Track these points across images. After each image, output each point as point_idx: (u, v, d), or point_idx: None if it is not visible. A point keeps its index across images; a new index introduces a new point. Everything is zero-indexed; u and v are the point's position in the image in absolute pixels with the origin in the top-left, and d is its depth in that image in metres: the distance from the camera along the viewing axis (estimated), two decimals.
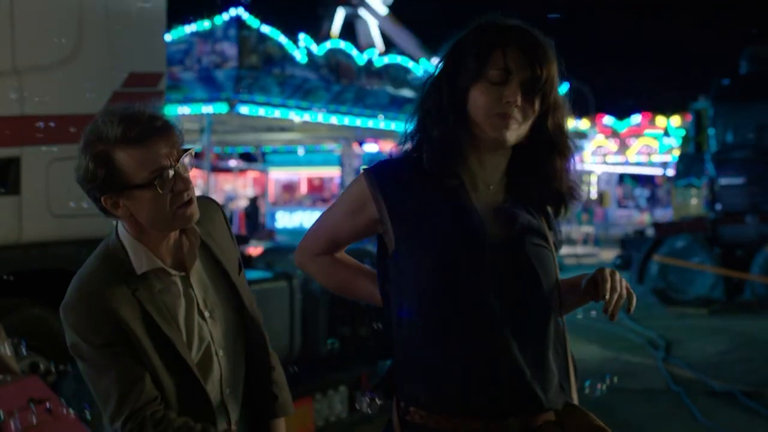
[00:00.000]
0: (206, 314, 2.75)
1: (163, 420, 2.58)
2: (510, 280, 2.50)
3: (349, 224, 2.71)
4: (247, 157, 32.40)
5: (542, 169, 2.60)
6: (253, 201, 29.07)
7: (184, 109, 18.03)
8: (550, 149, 2.59)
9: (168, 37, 14.54)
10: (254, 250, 9.82)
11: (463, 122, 2.53)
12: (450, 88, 2.54)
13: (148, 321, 2.61)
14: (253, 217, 27.62)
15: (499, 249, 2.50)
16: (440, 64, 2.62)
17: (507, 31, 2.53)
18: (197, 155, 26.02)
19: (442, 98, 2.55)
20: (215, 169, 25.21)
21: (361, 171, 2.68)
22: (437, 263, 2.49)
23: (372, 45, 28.04)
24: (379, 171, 2.64)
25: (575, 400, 2.67)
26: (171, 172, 2.59)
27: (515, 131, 2.50)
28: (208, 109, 17.96)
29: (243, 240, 10.31)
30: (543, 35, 2.57)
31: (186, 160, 2.64)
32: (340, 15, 30.30)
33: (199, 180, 24.27)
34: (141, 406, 2.57)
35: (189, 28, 17.90)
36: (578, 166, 2.67)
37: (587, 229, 37.01)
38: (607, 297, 2.52)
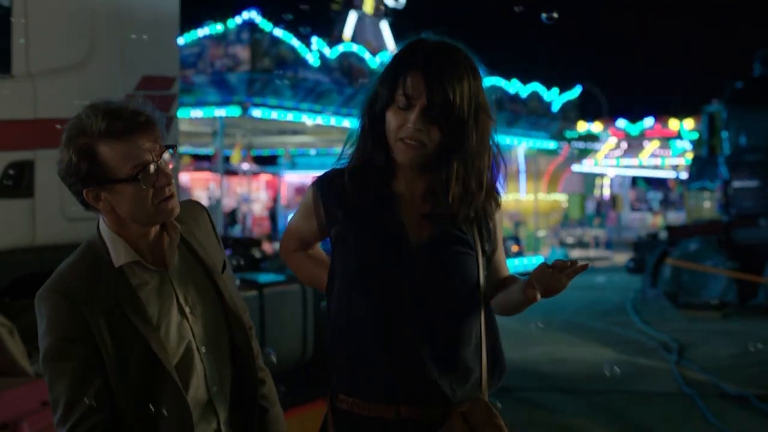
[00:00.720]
0: (187, 310, 2.75)
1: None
2: (425, 283, 2.67)
3: (307, 227, 2.93)
4: (263, 161, 32.41)
5: (445, 176, 2.70)
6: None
7: (196, 113, 18.06)
8: (446, 161, 2.69)
9: (181, 41, 14.57)
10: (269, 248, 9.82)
11: (383, 144, 2.69)
12: (369, 110, 2.72)
13: (120, 317, 2.62)
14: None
15: (416, 253, 2.68)
16: (372, 84, 2.77)
17: (414, 56, 2.66)
18: (209, 158, 26.05)
19: (365, 120, 2.74)
20: (228, 172, 25.20)
21: (313, 181, 2.89)
22: (358, 263, 2.70)
23: (385, 47, 28.06)
24: (322, 181, 2.85)
25: (485, 395, 2.74)
26: (153, 167, 2.62)
27: (419, 154, 2.65)
28: (220, 112, 17.98)
29: (256, 243, 10.31)
30: (454, 53, 2.69)
31: (167, 155, 2.67)
32: (352, 18, 30.27)
33: (211, 183, 24.34)
34: (83, 417, 2.57)
35: (202, 32, 17.92)
36: (502, 175, 2.83)
37: (599, 232, 36.96)
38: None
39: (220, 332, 2.84)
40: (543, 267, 2.60)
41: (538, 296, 2.64)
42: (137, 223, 2.69)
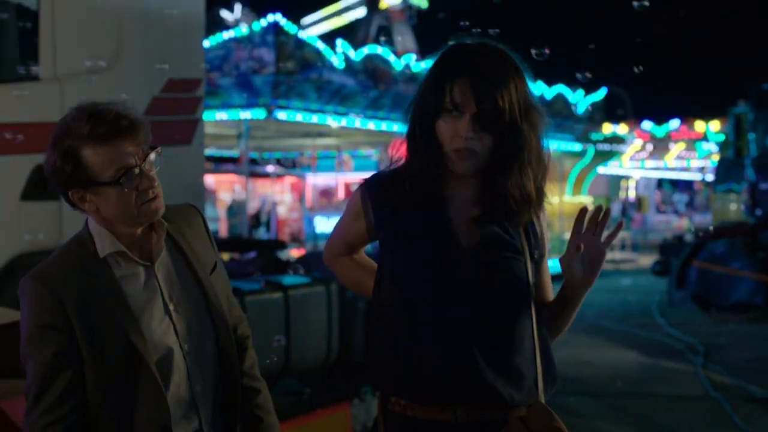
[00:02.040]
0: (171, 307, 2.79)
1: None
2: (476, 287, 2.64)
3: (354, 230, 2.91)
4: (285, 163, 32.48)
5: (499, 182, 2.70)
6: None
7: (221, 115, 18.11)
8: (501, 166, 2.68)
9: (206, 43, 14.63)
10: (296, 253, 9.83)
11: (436, 151, 2.67)
12: (420, 120, 2.70)
13: (101, 307, 2.66)
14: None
15: (467, 258, 2.66)
16: (414, 96, 2.77)
17: (459, 62, 2.65)
18: (235, 160, 26.10)
19: (415, 128, 2.71)
20: (253, 174, 25.25)
21: (360, 184, 2.88)
22: (408, 267, 2.68)
23: (409, 50, 28.03)
24: (370, 184, 2.84)
25: (543, 400, 2.73)
26: (136, 170, 2.67)
27: (473, 163, 2.64)
28: (245, 114, 18.01)
29: (281, 245, 10.33)
30: (498, 56, 2.67)
31: (152, 157, 2.71)
32: (376, 20, 30.27)
33: (236, 185, 24.40)
34: (49, 408, 2.61)
35: (227, 34, 17.97)
36: (548, 177, 2.84)
37: (625, 234, 36.82)
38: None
39: (205, 332, 2.86)
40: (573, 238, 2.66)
41: (579, 272, 2.65)
42: (122, 224, 2.74)
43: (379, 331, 2.75)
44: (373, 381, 2.84)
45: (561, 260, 2.69)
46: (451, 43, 2.74)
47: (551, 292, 2.88)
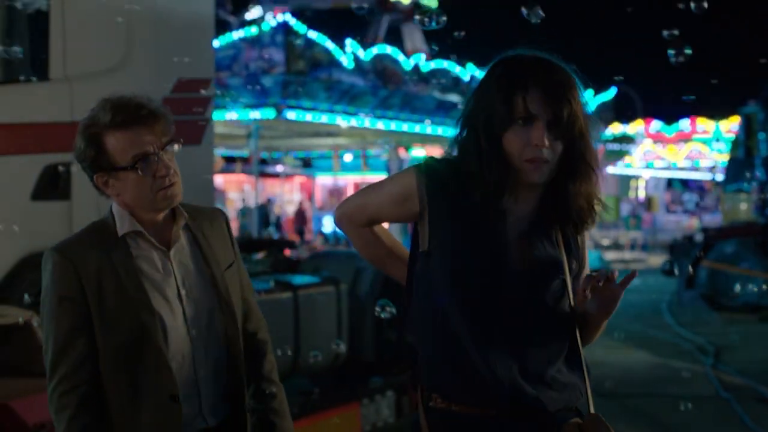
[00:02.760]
0: (183, 292, 2.91)
1: (86, 402, 2.77)
2: (521, 302, 2.66)
3: (393, 210, 2.85)
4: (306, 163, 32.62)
5: (561, 192, 2.70)
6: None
7: (231, 115, 18.14)
8: (571, 174, 2.68)
9: (216, 43, 14.64)
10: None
11: (503, 162, 2.63)
12: (486, 131, 2.64)
13: (115, 279, 2.80)
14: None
15: (515, 274, 2.66)
16: (471, 102, 2.72)
17: (529, 71, 2.63)
18: (245, 160, 26.12)
19: (480, 141, 2.65)
20: (263, 174, 25.30)
21: (413, 165, 2.80)
22: (461, 275, 2.65)
23: (418, 50, 28.03)
24: (429, 170, 2.74)
25: (591, 409, 2.75)
26: (154, 158, 2.83)
27: (546, 173, 2.63)
28: (255, 114, 18.05)
29: (291, 245, 10.34)
30: (564, 65, 2.68)
31: (175, 148, 2.90)
32: (386, 20, 30.29)
33: (246, 185, 24.44)
34: (64, 377, 2.76)
35: (237, 34, 18.01)
36: (601, 185, 2.79)
37: (635, 234, 36.79)
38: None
39: (213, 323, 2.97)
40: (588, 280, 2.62)
41: (593, 308, 2.66)
42: (141, 209, 2.88)
43: (424, 329, 2.75)
44: (416, 379, 2.82)
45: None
46: (508, 54, 2.73)
47: None
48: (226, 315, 2.99)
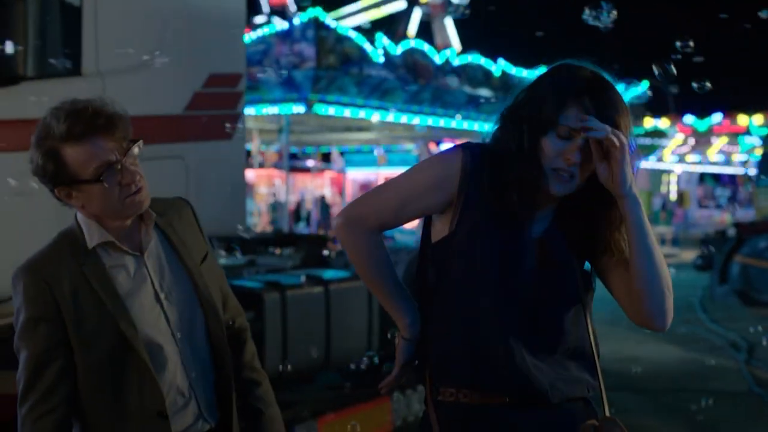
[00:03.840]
0: (162, 296, 2.83)
1: (61, 427, 2.68)
2: (536, 302, 2.64)
3: (423, 201, 2.72)
4: (328, 157, 32.67)
5: (589, 216, 2.69)
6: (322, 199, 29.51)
7: (262, 110, 18.18)
8: (601, 201, 2.65)
9: (247, 38, 14.68)
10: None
11: (537, 162, 2.61)
12: (530, 129, 2.62)
13: (90, 295, 2.71)
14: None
15: (532, 273, 2.65)
16: (521, 97, 2.69)
17: (579, 86, 2.60)
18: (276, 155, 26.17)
19: (523, 141, 2.62)
20: (293, 169, 25.36)
21: (459, 148, 2.72)
22: (483, 262, 2.63)
23: (449, 44, 27.99)
24: (475, 154, 2.70)
25: (606, 412, 2.74)
26: (117, 166, 2.71)
27: (567, 187, 2.60)
28: (286, 109, 18.08)
29: (322, 240, 10.34)
30: (612, 86, 2.64)
31: (134, 151, 2.76)
32: (416, 15, 30.30)
33: (277, 180, 24.49)
34: (37, 401, 2.66)
35: (267, 29, 18.04)
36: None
37: (666, 229, 36.61)
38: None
39: (196, 320, 2.91)
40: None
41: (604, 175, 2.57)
42: (109, 218, 2.79)
43: (440, 317, 2.73)
44: (425, 372, 2.81)
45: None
46: (565, 62, 2.70)
47: None
48: (207, 311, 2.93)
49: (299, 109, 17.94)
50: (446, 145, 28.43)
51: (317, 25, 17.61)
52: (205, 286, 2.94)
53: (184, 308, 2.88)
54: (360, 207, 2.80)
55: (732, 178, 52.47)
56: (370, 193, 2.86)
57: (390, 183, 2.83)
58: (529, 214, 2.65)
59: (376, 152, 30.16)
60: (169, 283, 2.87)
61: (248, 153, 19.81)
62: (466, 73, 21.66)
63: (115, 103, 2.80)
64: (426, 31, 30.22)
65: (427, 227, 2.79)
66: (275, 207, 26.62)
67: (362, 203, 2.82)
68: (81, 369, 2.71)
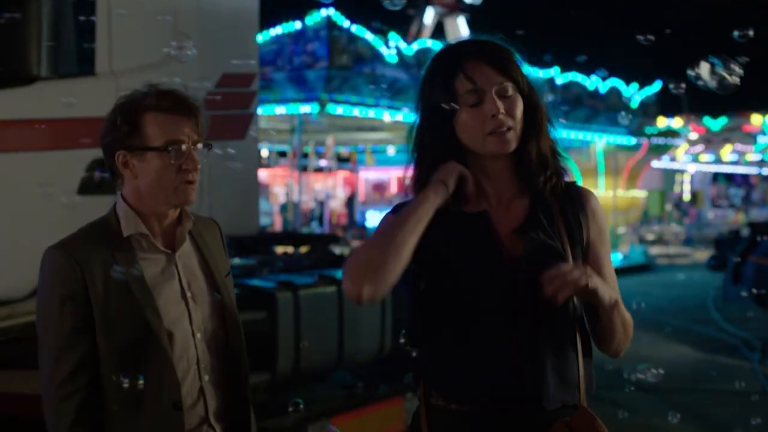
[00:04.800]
0: (188, 295, 2.88)
1: (86, 408, 2.69)
2: (522, 297, 2.59)
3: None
4: (341, 158, 32.65)
5: (523, 154, 2.67)
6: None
7: (275, 109, 18.19)
8: (530, 135, 2.67)
9: (260, 38, 14.70)
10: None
11: (457, 153, 2.63)
12: (434, 121, 2.64)
13: (120, 282, 2.74)
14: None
15: (514, 269, 2.60)
16: (417, 99, 2.73)
17: (460, 51, 2.65)
18: (286, 155, 26.16)
19: (430, 131, 2.66)
20: (306, 168, 25.35)
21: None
22: (458, 282, 2.60)
23: None
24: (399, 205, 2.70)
25: (584, 403, 2.69)
26: (186, 148, 2.81)
27: (512, 139, 2.61)
28: (305, 108, 18.10)
29: (334, 239, 10.35)
30: (494, 41, 2.68)
31: (200, 146, 2.85)
32: (429, 14, 30.28)
33: (289, 179, 24.49)
34: (66, 380, 2.68)
35: (280, 29, 18.05)
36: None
37: (680, 229, 36.51)
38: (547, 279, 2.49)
39: (217, 328, 2.94)
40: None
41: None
42: (154, 201, 2.84)
43: (428, 329, 2.71)
44: (418, 378, 2.80)
45: None
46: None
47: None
48: (228, 321, 2.97)
49: (312, 108, 17.95)
50: None
51: (330, 24, 17.62)
52: (228, 297, 2.99)
53: (207, 313, 2.92)
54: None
55: (745, 178, 52.33)
56: (362, 253, 2.73)
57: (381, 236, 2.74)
58: (482, 215, 2.64)
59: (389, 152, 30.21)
60: (196, 287, 2.92)
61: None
62: None
63: (197, 98, 2.93)
64: (439, 31, 30.22)
65: None
66: (285, 208, 26.62)
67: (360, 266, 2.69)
68: (103, 353, 2.74)
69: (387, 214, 2.70)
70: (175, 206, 2.88)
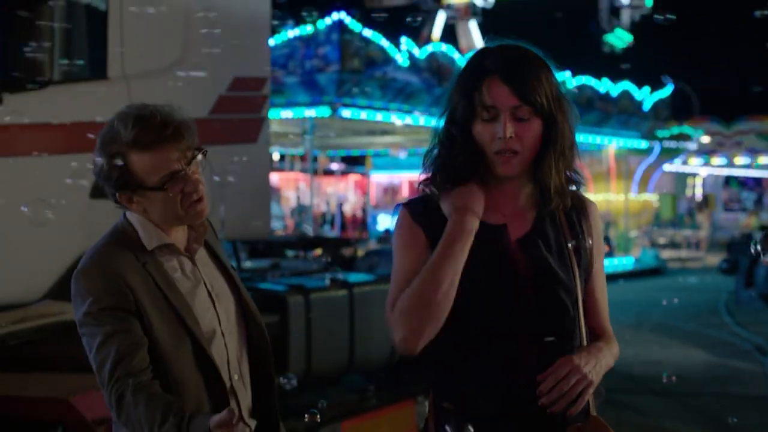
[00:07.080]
0: (214, 296, 2.88)
1: (143, 389, 2.63)
2: (530, 309, 2.61)
3: (415, 257, 2.67)
4: (352, 161, 32.66)
5: (539, 170, 2.66)
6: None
7: (287, 113, 18.21)
8: (543, 154, 2.64)
9: (271, 42, 14.73)
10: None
11: (472, 152, 2.62)
12: (455, 123, 2.65)
13: (157, 292, 2.74)
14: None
15: (521, 279, 2.61)
16: (447, 103, 2.71)
17: (486, 63, 2.61)
18: (300, 158, 26.19)
19: (451, 131, 2.66)
20: (317, 172, 25.39)
21: (399, 206, 2.77)
22: (466, 291, 2.58)
23: (474, 48, 27.94)
24: (412, 205, 2.74)
25: (594, 412, 2.71)
26: (181, 174, 2.76)
27: (517, 164, 2.60)
28: (310, 112, 18.11)
29: (347, 243, 10.37)
30: (522, 51, 2.64)
31: (198, 158, 2.80)
32: (440, 18, 30.26)
33: (301, 183, 24.55)
34: (128, 373, 2.64)
35: (292, 33, 18.07)
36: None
37: (691, 232, 36.42)
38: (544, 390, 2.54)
39: (240, 325, 2.96)
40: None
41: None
42: (168, 224, 2.84)
43: (438, 341, 2.67)
44: (427, 386, 2.82)
45: None
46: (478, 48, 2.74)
47: (600, 310, 2.83)
48: (248, 317, 2.98)
49: (323, 112, 17.96)
50: None
51: (341, 28, 17.64)
52: (247, 296, 3.00)
53: (230, 312, 2.93)
54: (391, 297, 2.70)
55: (758, 182, 52.15)
56: (391, 283, 2.80)
57: (394, 266, 2.78)
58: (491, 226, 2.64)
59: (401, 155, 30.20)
60: (218, 287, 2.93)
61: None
62: None
63: (181, 110, 2.85)
64: (450, 34, 30.20)
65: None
66: (300, 210, 26.64)
67: (390, 294, 2.72)
68: (152, 360, 2.72)
69: (400, 221, 2.72)
70: (190, 224, 2.89)
